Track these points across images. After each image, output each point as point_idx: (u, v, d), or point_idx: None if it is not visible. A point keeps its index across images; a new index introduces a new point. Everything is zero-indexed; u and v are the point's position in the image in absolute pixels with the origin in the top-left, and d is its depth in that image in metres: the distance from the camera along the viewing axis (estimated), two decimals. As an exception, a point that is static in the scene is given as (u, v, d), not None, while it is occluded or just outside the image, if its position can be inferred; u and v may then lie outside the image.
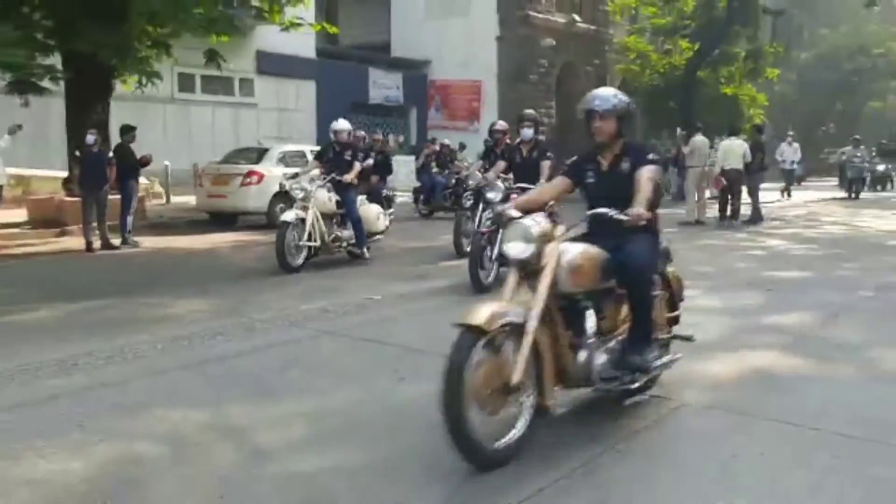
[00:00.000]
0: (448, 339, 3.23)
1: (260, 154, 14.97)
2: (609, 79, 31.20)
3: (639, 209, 3.88)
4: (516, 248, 3.76)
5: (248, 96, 23.31)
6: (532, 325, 3.53)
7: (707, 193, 15.83)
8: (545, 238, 3.77)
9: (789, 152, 23.68)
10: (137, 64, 13.09)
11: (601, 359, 3.97)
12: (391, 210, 13.30)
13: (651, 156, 4.26)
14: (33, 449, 3.67)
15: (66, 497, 3.24)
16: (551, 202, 4.38)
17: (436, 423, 4.16)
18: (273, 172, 14.25)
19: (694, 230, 14.00)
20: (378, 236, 10.52)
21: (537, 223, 3.81)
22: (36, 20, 12.24)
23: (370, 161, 11.36)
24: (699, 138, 15.79)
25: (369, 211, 10.06)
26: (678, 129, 22.27)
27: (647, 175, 4.09)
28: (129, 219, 11.58)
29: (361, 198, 10.19)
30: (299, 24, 15.04)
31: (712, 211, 15.59)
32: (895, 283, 7.68)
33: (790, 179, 23.55)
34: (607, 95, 4.36)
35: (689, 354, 5.46)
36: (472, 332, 3.42)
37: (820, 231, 14.29)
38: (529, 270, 3.77)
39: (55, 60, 12.46)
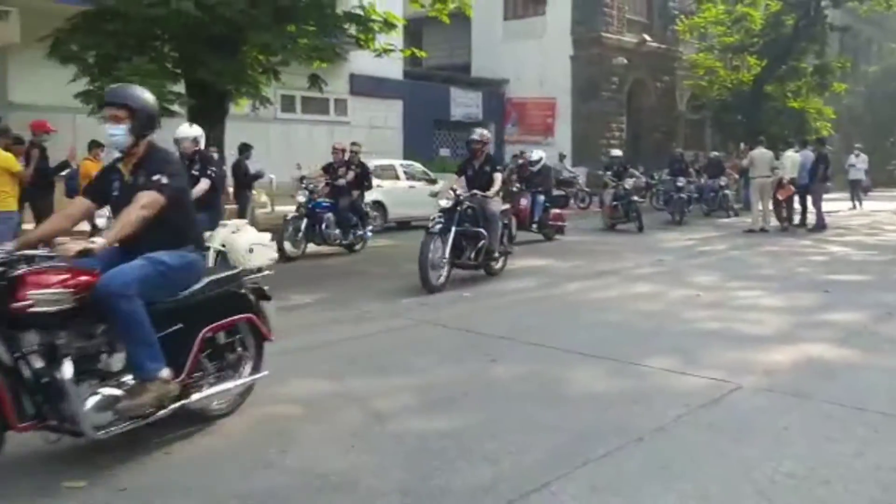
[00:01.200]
0: (532, 327, 3.64)
1: (353, 167, 15.66)
2: (678, 94, 31.11)
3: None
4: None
5: (341, 115, 24.18)
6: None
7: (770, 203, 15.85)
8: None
9: (857, 163, 23.25)
10: (250, 89, 13.93)
11: None
12: (370, 227, 12.66)
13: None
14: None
15: (231, 440, 3.85)
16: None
17: (524, 393, 4.67)
18: (367, 184, 14.95)
19: (758, 237, 14.07)
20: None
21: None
22: (165, 53, 13.20)
23: (203, 185, 7.78)
24: (760, 151, 15.81)
25: (235, 242, 4.74)
26: (741, 143, 22.16)
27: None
28: (244, 226, 12.38)
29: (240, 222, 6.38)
30: (391, 50, 15.70)
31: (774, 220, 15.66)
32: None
33: (857, 190, 23.11)
34: None
35: (748, 345, 5.81)
36: None
37: (882, 238, 14.14)
38: None
39: (180, 87, 13.37)
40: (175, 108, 12.71)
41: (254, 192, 14.35)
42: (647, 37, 28.70)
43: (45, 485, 3.31)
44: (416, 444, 3.82)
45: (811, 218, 15.54)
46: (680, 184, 17.47)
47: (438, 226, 8.31)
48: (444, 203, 8.38)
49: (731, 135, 28.14)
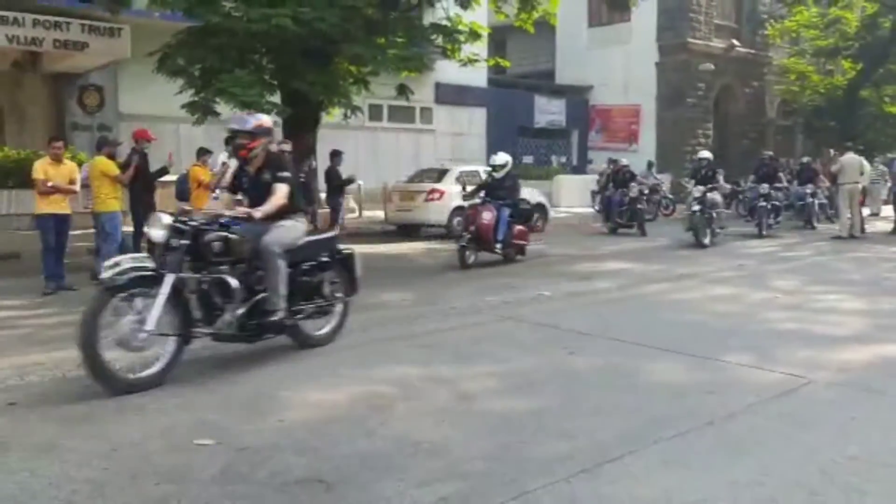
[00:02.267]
0: (612, 324, 3.94)
1: (441, 174, 16.22)
2: (768, 100, 30.54)
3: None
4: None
5: (427, 123, 24.82)
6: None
7: (866, 210, 15.63)
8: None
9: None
10: (342, 98, 14.63)
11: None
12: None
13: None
14: (306, 385, 4.83)
15: (335, 412, 4.34)
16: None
17: (601, 382, 5.00)
18: (452, 190, 15.48)
19: (846, 244, 13.89)
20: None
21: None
22: (264, 65, 14.05)
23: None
24: (849, 157, 15.55)
25: None
26: (831, 150, 21.64)
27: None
28: (336, 229, 13.06)
29: None
30: (476, 60, 16.17)
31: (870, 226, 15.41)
32: None
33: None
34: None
35: (824, 344, 5.98)
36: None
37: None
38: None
39: (276, 97, 14.17)
40: (273, 117, 13.54)
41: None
42: (735, 42, 28.34)
43: (181, 442, 3.86)
44: (499, 420, 4.21)
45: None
46: (764, 191, 15.75)
47: (129, 276, 4.74)
48: (156, 235, 5.02)
49: (824, 141, 27.48)
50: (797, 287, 8.95)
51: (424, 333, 6.39)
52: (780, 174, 17.37)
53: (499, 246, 10.94)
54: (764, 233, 15.25)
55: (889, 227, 15.85)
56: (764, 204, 15.50)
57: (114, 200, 9.58)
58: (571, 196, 23.54)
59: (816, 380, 4.97)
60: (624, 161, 18.43)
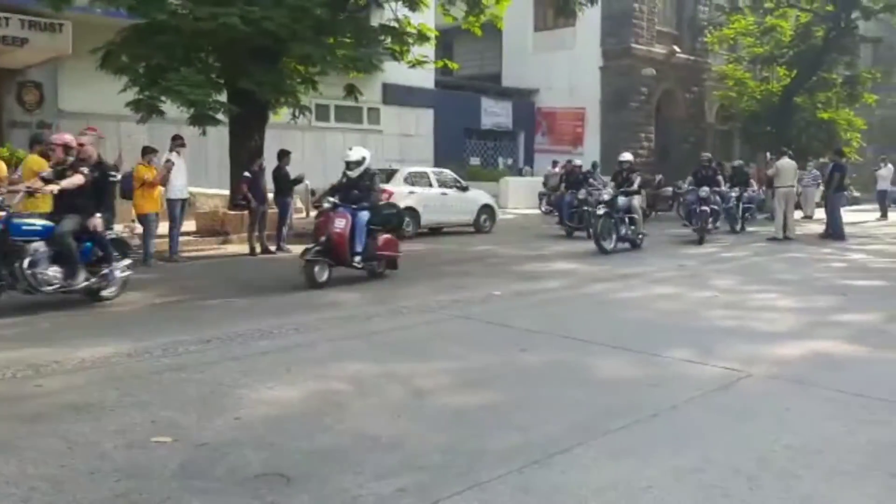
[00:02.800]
0: (560, 324, 4.12)
1: (389, 175, 16.26)
2: (707, 105, 31.38)
3: None
4: None
5: (374, 124, 24.83)
6: None
7: (798, 213, 16.24)
8: None
9: (883, 174, 23.42)
10: (290, 98, 14.60)
11: None
12: None
13: None
14: (260, 382, 4.86)
15: (292, 409, 4.39)
16: None
17: (552, 377, 5.16)
18: (401, 190, 15.58)
19: (781, 245, 14.42)
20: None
21: None
22: (210, 64, 13.93)
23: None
24: (785, 161, 16.16)
25: None
26: (768, 154, 22.37)
27: None
28: (284, 229, 13.05)
29: None
30: (424, 62, 16.30)
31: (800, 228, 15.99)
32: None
33: (884, 200, 23.26)
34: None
35: (761, 340, 6.25)
36: None
37: (906, 248, 14.43)
38: None
39: (222, 97, 14.06)
40: (220, 116, 13.44)
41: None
42: (676, 48, 29.07)
43: (138, 439, 3.87)
44: (455, 415, 4.33)
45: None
46: (704, 194, 15.05)
47: None
48: None
49: (760, 146, 28.40)
50: (735, 286, 9.30)
51: (378, 332, 6.48)
52: (719, 177, 16.93)
53: (357, 259, 9.17)
54: (701, 238, 14.66)
55: (821, 229, 16.48)
56: (705, 208, 14.90)
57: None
58: (518, 197, 23.86)
59: (754, 374, 5.21)
60: (577, 161, 18.49)
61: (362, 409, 4.44)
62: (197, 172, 18.26)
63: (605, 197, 12.89)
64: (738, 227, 17.55)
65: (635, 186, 13.81)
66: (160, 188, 11.22)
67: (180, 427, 4.05)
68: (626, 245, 13.12)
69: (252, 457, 3.66)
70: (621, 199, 13.13)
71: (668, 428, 4.16)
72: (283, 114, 16.03)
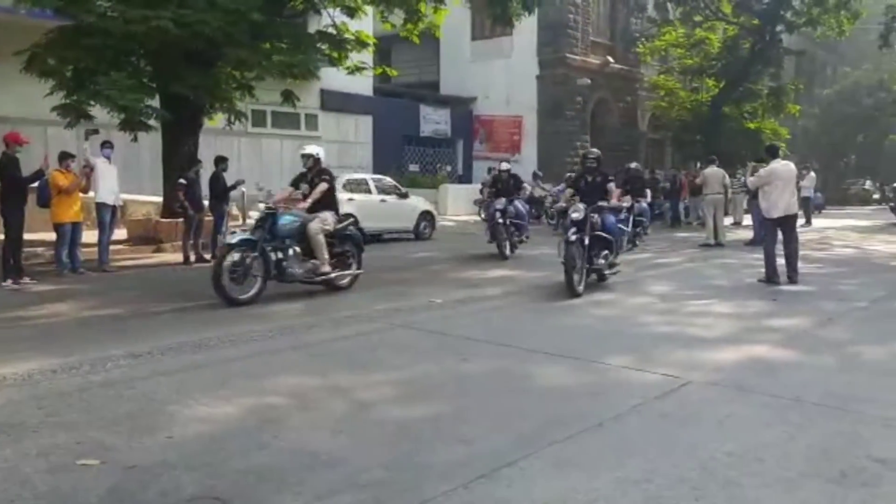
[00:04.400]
0: (499, 332, 4.06)
1: (328, 181, 15.99)
2: (640, 114, 32.00)
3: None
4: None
5: (312, 130, 24.50)
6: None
7: (730, 219, 16.61)
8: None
9: (805, 182, 24.19)
10: (225, 104, 14.25)
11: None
12: None
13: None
14: (193, 399, 4.65)
15: (227, 426, 4.19)
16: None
17: (494, 387, 5.07)
18: (340, 197, 15.32)
19: (713, 251, 14.71)
20: None
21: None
22: (142, 68, 13.49)
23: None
24: (712, 169, 16.55)
25: None
26: (697, 162, 22.90)
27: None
28: (220, 237, 12.68)
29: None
30: (363, 69, 16.13)
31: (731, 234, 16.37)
32: (889, 297, 8.29)
33: (807, 207, 24.00)
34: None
35: (698, 346, 6.30)
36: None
37: (829, 253, 14.83)
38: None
39: (154, 101, 13.64)
40: (152, 122, 13.04)
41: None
42: (610, 58, 29.55)
43: (63, 463, 3.63)
44: (397, 428, 4.20)
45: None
46: (626, 203, 12.86)
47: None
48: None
49: (691, 154, 29.08)
50: (671, 292, 9.40)
51: (317, 343, 6.30)
52: (648, 189, 16.55)
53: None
54: (637, 243, 14.43)
55: (750, 234, 16.87)
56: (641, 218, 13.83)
57: None
58: (458, 204, 23.87)
59: (693, 380, 5.22)
60: (504, 165, 15.29)
61: (301, 424, 4.27)
62: (128, 179, 17.66)
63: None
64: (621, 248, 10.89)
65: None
66: (81, 196, 10.83)
67: (108, 448, 3.82)
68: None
69: (185, 478, 3.47)
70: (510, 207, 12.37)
71: (613, 437, 4.12)
72: (218, 119, 15.68)
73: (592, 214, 9.17)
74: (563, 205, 9.89)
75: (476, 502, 3.28)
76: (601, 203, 9.38)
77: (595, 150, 10.75)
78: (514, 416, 4.43)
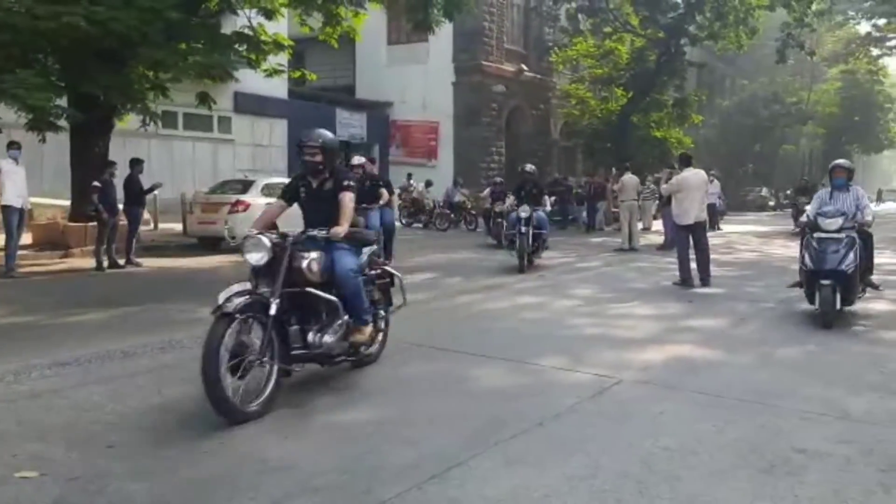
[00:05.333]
0: (433, 335, 4.12)
1: (246, 185, 15.73)
2: (553, 121, 32.74)
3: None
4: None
5: (225, 133, 24.04)
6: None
7: (640, 224, 17.20)
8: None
9: (710, 189, 25.26)
10: (138, 103, 13.82)
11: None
12: None
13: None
14: (130, 407, 4.55)
15: (170, 434, 4.11)
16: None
17: (435, 390, 5.14)
18: (258, 202, 15.11)
19: (628, 255, 15.21)
20: None
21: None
22: (50, 66, 12.94)
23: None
24: (628, 176, 17.15)
25: None
26: (613, 169, 23.59)
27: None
28: (134, 242, 12.30)
29: None
30: (281, 71, 15.96)
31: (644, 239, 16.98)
32: (793, 298, 8.73)
33: (714, 214, 25.07)
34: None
35: (625, 346, 6.54)
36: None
37: (735, 257, 15.55)
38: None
39: (63, 101, 13.11)
40: (61, 122, 12.52)
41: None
42: (524, 66, 30.15)
43: (0, 476, 3.49)
44: (343, 433, 4.22)
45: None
46: (525, 213, 11.97)
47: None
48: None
49: (602, 161, 29.90)
50: (595, 294, 9.69)
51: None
52: (544, 193, 13.76)
53: None
54: (522, 266, 11.89)
55: (660, 240, 17.51)
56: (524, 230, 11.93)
57: None
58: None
59: (624, 379, 5.43)
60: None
61: (246, 430, 4.23)
62: (32, 181, 16.90)
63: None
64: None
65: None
66: None
67: (46, 459, 3.69)
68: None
69: (132, 488, 3.40)
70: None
71: (555, 436, 4.25)
72: (128, 120, 15.19)
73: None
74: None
75: (431, 502, 3.34)
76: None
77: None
78: (458, 417, 4.51)
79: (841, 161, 8.56)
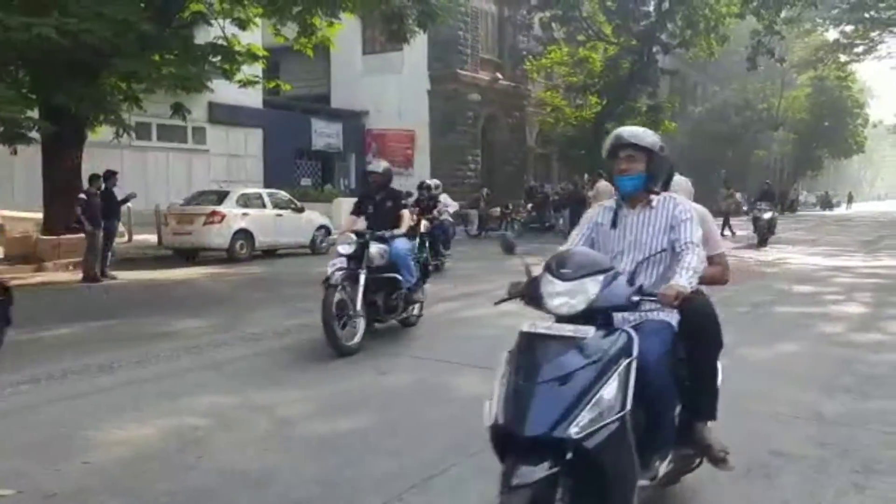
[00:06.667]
0: (413, 344, 4.08)
1: (221, 196, 15.66)
2: (528, 129, 32.89)
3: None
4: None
5: (200, 143, 23.86)
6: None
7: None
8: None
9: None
10: (111, 116, 13.71)
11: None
12: None
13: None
14: (108, 422, 4.49)
15: (148, 448, 4.08)
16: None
17: (416, 398, 5.14)
18: (233, 212, 15.05)
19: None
20: None
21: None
22: (20, 78, 12.80)
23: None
24: (602, 183, 17.30)
25: None
26: (586, 175, 23.72)
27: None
28: (109, 255, 12.16)
29: None
30: (256, 82, 15.91)
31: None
32: (765, 302, 8.87)
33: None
34: None
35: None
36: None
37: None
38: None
39: (34, 113, 12.98)
40: (33, 134, 12.39)
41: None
42: (499, 75, 30.27)
43: (-27, 494, 3.44)
44: (324, 444, 4.20)
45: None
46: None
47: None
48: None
49: (576, 168, 30.12)
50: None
51: (227, 361, 6.17)
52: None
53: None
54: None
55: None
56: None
57: None
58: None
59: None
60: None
61: (225, 444, 4.21)
62: (4, 194, 16.74)
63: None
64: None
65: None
66: None
67: (23, 476, 3.64)
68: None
69: (111, 504, 3.37)
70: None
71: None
72: (101, 132, 15.05)
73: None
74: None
75: (413, 512, 3.35)
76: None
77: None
78: (437, 426, 4.52)
79: (626, 130, 3.45)
